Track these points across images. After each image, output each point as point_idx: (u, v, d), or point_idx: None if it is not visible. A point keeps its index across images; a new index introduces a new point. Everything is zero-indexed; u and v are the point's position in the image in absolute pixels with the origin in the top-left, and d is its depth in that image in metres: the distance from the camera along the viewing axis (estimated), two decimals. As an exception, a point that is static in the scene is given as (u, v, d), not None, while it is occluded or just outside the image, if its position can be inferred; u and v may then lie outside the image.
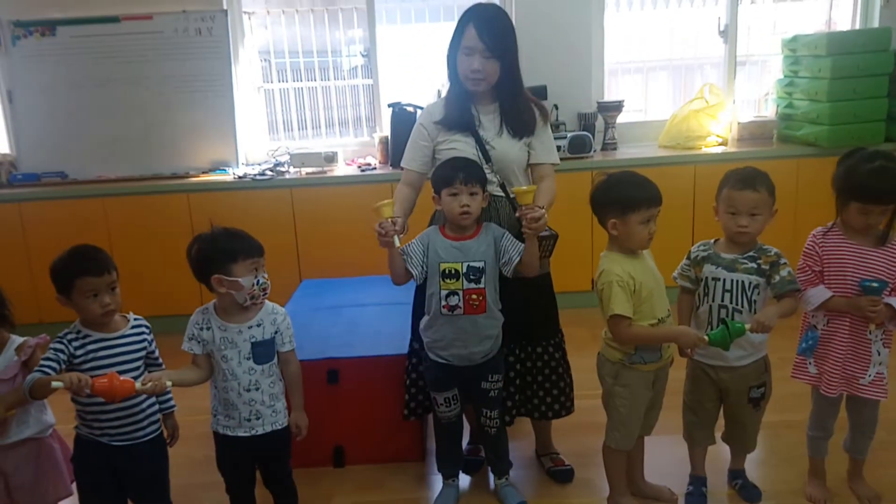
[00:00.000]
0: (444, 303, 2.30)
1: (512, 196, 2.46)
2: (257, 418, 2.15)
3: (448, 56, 2.44)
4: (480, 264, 2.29)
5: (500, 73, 2.37)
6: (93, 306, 2.00)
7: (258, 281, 2.09)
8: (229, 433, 2.17)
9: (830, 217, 2.33)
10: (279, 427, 2.19)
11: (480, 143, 2.43)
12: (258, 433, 2.15)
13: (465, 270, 2.29)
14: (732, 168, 2.29)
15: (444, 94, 2.63)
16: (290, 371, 2.22)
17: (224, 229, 2.14)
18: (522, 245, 2.30)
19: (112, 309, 2.03)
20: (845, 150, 2.35)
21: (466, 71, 2.37)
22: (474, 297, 2.29)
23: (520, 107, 2.46)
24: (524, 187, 2.24)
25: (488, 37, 2.32)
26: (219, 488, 2.32)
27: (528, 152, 2.50)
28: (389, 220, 2.25)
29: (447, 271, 2.30)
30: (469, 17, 2.35)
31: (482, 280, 2.29)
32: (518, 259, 2.29)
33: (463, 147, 2.43)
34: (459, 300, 2.29)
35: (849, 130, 4.12)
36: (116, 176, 4.42)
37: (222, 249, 2.08)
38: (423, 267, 2.34)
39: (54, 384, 1.86)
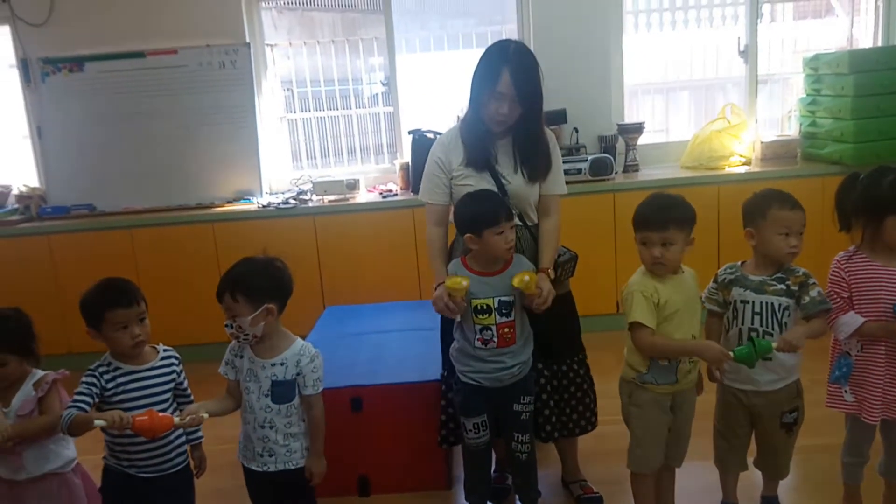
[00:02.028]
0: (478, 336, 2.31)
1: (529, 224, 2.49)
2: (270, 455, 2.12)
3: (474, 93, 2.40)
4: (510, 298, 2.30)
5: (520, 114, 2.36)
6: (123, 338, 2.02)
7: (228, 325, 2.05)
8: (245, 464, 2.17)
9: (857, 236, 2.29)
10: (292, 467, 2.13)
11: (497, 179, 2.42)
12: (270, 470, 2.12)
13: (496, 305, 2.29)
14: (759, 189, 2.27)
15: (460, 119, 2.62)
16: (311, 415, 2.15)
17: (241, 262, 2.11)
18: None
19: (142, 340, 2.05)
20: (870, 167, 2.31)
21: (494, 114, 2.35)
22: (506, 330, 2.30)
23: (535, 150, 2.43)
24: (523, 279, 2.23)
25: (522, 86, 2.30)
26: (245, 519, 2.31)
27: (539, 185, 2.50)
28: (461, 298, 2.25)
29: (479, 307, 2.29)
30: (504, 61, 2.31)
31: (512, 313, 2.30)
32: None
33: (479, 183, 2.41)
34: (493, 335, 2.30)
35: (874, 148, 4.07)
36: (143, 207, 4.49)
37: (220, 284, 2.07)
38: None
39: (97, 423, 1.88)
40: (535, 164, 2.44)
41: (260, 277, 2.07)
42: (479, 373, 2.35)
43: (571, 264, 2.51)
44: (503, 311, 2.29)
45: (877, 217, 2.19)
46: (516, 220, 2.44)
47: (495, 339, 2.30)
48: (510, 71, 2.29)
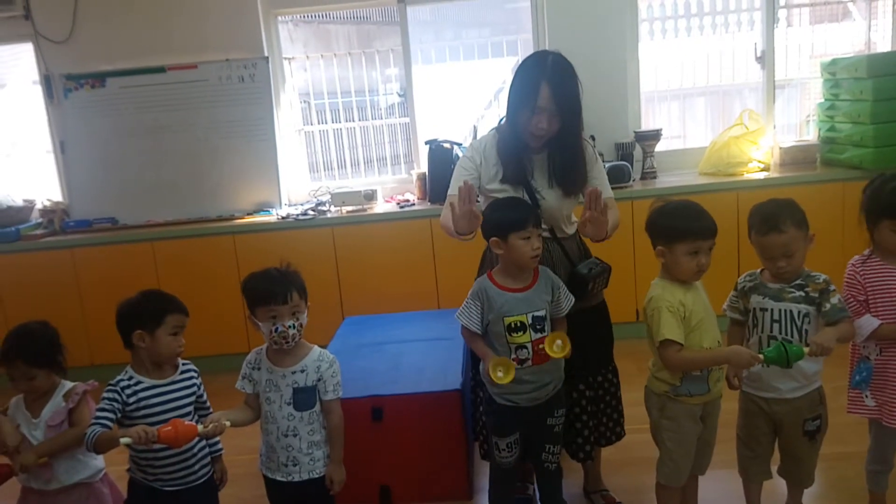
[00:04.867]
0: (513, 356, 2.24)
1: (560, 237, 2.46)
2: (294, 465, 2.13)
3: (511, 107, 2.37)
4: (543, 312, 2.26)
5: (559, 127, 2.33)
6: (173, 344, 2.07)
7: (277, 329, 2.06)
8: (269, 475, 2.18)
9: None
10: (317, 475, 2.15)
11: (531, 194, 2.40)
12: (295, 480, 2.14)
13: (530, 322, 2.24)
14: (768, 197, 2.23)
15: (480, 129, 2.61)
16: (330, 421, 2.17)
17: (264, 271, 2.14)
18: (571, 302, 2.31)
19: (183, 350, 2.11)
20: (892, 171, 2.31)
21: (533, 128, 2.31)
22: (541, 346, 2.25)
23: (573, 165, 2.40)
24: (555, 344, 2.22)
25: (562, 99, 2.27)
26: (267, 529, 2.32)
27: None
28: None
29: (513, 325, 2.23)
30: (542, 74, 2.28)
31: (546, 328, 2.26)
32: (560, 317, 2.31)
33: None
34: (529, 353, 2.24)
35: (894, 152, 4.03)
36: (165, 220, 4.55)
37: (249, 293, 2.11)
38: (482, 324, 2.28)
39: (123, 441, 1.90)
40: (571, 178, 2.40)
41: (301, 277, 2.14)
42: (517, 394, 2.29)
43: (605, 276, 2.46)
44: (537, 327, 2.23)
45: (873, 220, 2.21)
46: (547, 234, 2.43)
47: (530, 358, 2.24)
48: (549, 84, 2.26)
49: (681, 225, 2.13)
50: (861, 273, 2.25)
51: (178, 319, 2.09)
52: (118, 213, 4.61)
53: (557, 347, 2.22)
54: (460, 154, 4.31)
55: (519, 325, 2.23)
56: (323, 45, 4.99)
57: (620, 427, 2.65)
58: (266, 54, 4.60)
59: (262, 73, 4.54)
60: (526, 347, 2.24)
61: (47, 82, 4.63)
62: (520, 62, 2.44)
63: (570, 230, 2.51)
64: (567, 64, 2.34)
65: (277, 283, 2.08)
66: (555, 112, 2.28)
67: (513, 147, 2.40)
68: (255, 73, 4.53)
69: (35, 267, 4.36)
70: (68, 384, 2.21)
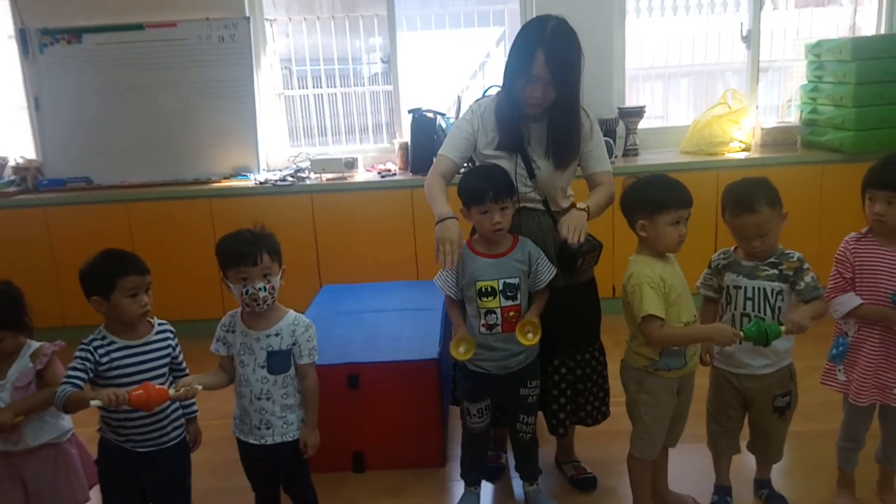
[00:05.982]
0: (482, 321, 2.27)
1: (554, 210, 2.45)
2: (267, 428, 2.13)
3: (507, 74, 2.33)
4: (515, 280, 2.27)
5: (555, 96, 2.29)
6: (133, 306, 2.01)
7: (247, 290, 2.04)
8: (242, 438, 2.18)
9: (857, 223, 2.29)
10: (289, 439, 2.15)
11: (527, 162, 2.37)
12: (268, 443, 2.14)
13: (501, 287, 2.25)
14: (741, 177, 2.24)
15: (465, 100, 2.58)
16: (305, 385, 2.16)
17: (236, 233, 2.11)
18: (552, 273, 2.30)
19: (149, 309, 2.06)
20: (871, 155, 2.32)
21: (527, 97, 2.27)
22: (511, 314, 2.26)
23: (569, 137, 2.36)
24: (526, 336, 2.24)
25: (557, 68, 2.22)
26: (239, 492, 2.33)
27: (579, 166, 2.46)
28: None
29: (484, 289, 2.26)
30: (539, 43, 2.22)
31: (518, 296, 2.27)
32: (541, 287, 2.31)
33: (507, 165, 2.35)
34: (497, 318, 2.26)
35: (875, 136, 4.07)
36: (140, 181, 4.46)
37: (220, 254, 2.08)
38: (458, 289, 2.32)
39: (93, 403, 1.88)
40: (565, 150, 2.37)
41: (275, 239, 2.11)
42: (487, 360, 2.32)
43: (595, 254, 2.43)
44: (508, 294, 2.25)
45: (862, 192, 2.23)
46: (540, 206, 2.42)
47: (500, 324, 2.26)
48: (546, 52, 2.21)
49: (662, 196, 2.14)
50: (853, 251, 2.26)
51: (133, 281, 2.02)
52: (93, 173, 4.52)
53: (529, 336, 2.25)
54: (444, 125, 4.28)
55: (489, 290, 2.25)
56: (306, 8, 4.90)
57: (606, 406, 2.63)
58: (247, 14, 4.50)
59: (242, 33, 4.45)
60: (495, 313, 2.26)
61: (22, 37, 4.49)
62: (521, 26, 2.39)
63: (566, 203, 2.48)
64: (568, 31, 2.29)
65: (248, 244, 2.05)
66: (550, 81, 2.24)
67: (509, 114, 2.36)
68: (235, 34, 4.44)
69: (7, 225, 4.27)
70: (35, 344, 2.17)
